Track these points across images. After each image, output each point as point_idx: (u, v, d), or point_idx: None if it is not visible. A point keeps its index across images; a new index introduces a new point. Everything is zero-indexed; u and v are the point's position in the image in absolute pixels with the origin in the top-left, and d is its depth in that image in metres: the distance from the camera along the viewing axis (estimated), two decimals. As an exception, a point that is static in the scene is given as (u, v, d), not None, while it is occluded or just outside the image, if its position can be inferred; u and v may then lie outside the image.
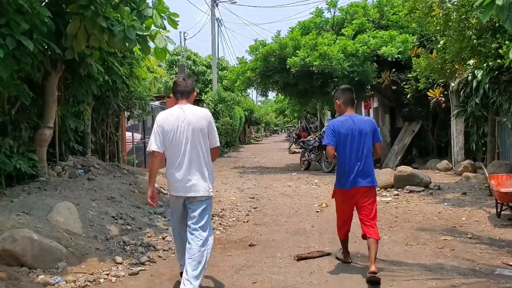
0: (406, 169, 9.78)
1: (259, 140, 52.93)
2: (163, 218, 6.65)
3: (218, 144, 4.26)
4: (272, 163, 19.32)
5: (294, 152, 25.34)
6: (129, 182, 7.58)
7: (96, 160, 8.30)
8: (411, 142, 15.07)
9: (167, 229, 6.26)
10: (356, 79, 14.04)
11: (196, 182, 4.02)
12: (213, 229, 6.25)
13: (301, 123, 39.77)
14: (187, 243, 4.04)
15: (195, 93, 4.28)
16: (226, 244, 5.93)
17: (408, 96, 14.16)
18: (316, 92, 15.86)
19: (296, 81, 15.06)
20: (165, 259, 5.28)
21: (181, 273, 4.11)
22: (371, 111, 19.88)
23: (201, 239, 4.01)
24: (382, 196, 9.32)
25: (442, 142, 14.71)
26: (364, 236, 4.68)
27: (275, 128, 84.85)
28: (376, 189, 4.89)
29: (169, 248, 5.60)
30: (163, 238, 5.92)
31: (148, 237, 5.87)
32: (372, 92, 17.51)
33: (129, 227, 5.94)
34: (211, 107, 22.16)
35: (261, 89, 16.86)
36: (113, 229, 5.73)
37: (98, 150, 9.48)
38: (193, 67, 27.89)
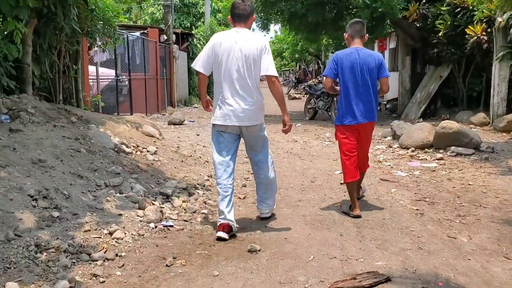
0: (452, 125, 7.46)
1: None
2: (117, 195, 4.36)
3: (275, 73, 3.90)
4: (270, 110, 16.94)
5: (294, 98, 22.95)
6: (75, 136, 5.23)
7: (33, 101, 5.88)
8: (437, 90, 12.70)
9: (121, 215, 4.00)
10: (379, 10, 11.45)
11: (251, 110, 3.82)
12: (195, 212, 4.57)
13: (301, 66, 37.05)
14: (256, 176, 4.12)
15: (253, 17, 4.04)
16: (211, 246, 3.68)
17: (440, 35, 11.61)
18: (328, 26, 13.28)
19: (305, 12, 12.44)
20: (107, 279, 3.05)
21: (220, 226, 3.79)
22: (386, 52, 17.31)
23: (268, 169, 4.06)
24: (422, 160, 7.08)
25: (475, 91, 12.36)
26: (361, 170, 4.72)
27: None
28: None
29: (117, 255, 3.36)
30: (111, 234, 3.65)
31: (86, 231, 3.59)
32: (393, 30, 14.92)
33: (55, 214, 3.64)
34: (201, 43, 19.42)
35: (261, 21, 14.16)
36: (27, 217, 3.45)
37: (48, 88, 7.06)
38: (183, -3, 24.73)
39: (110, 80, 11.75)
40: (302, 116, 14.15)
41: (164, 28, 16.14)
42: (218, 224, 3.81)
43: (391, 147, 8.31)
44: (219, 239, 3.70)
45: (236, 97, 3.79)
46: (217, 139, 3.95)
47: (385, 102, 15.53)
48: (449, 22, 11.44)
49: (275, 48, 44.13)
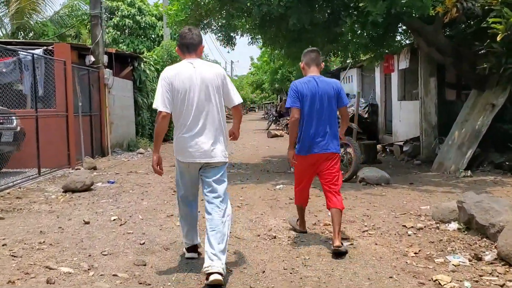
0: None
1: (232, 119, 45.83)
2: None
3: (241, 100, 3.79)
4: (243, 155, 12.40)
5: (275, 136, 18.45)
6: None
7: None
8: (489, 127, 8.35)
9: None
10: (396, 9, 7.22)
11: (213, 146, 3.58)
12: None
13: (282, 98, 32.85)
14: (206, 214, 3.59)
15: (203, 46, 3.80)
16: None
17: (498, 40, 7.31)
18: (318, 34, 8.92)
19: (284, 12, 8.09)
20: None
21: (189, 249, 3.93)
22: (394, 76, 13.06)
23: (222, 209, 3.57)
24: None
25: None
26: (329, 207, 4.31)
27: (251, 105, 77.61)
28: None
29: None
30: None
31: None
32: (408, 41, 10.70)
33: None
34: (152, 69, 14.99)
35: (223, 31, 9.71)
36: None
37: None
38: (137, 17, 20.43)
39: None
40: (284, 166, 9.63)
41: (90, 46, 11.65)
42: (186, 248, 3.96)
43: (480, 259, 3.78)
44: (190, 258, 3.88)
45: (199, 131, 3.55)
46: (180, 173, 3.77)
47: (401, 144, 11.13)
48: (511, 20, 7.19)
49: (253, 80, 40.03)
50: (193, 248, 3.94)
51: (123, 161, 11.27)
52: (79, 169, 9.43)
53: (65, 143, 9.41)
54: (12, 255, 4.08)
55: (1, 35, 18.12)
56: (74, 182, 7.14)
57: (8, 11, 17.62)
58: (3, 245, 4.38)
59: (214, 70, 3.64)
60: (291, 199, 6.32)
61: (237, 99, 3.72)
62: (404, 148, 10.76)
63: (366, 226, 4.97)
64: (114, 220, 5.31)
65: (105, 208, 5.98)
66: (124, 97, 13.59)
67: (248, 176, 8.53)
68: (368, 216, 5.37)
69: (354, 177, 7.73)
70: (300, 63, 4.51)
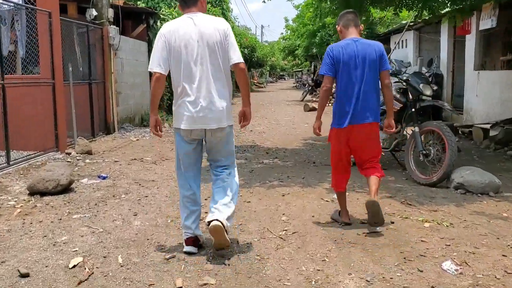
0: None
1: (262, 87, 43.37)
2: None
3: (242, 60, 3.34)
4: (278, 136, 10.07)
5: (314, 109, 15.98)
6: None
7: None
8: None
9: None
10: None
11: (217, 110, 3.26)
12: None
13: (317, 66, 30.08)
14: (213, 179, 3.43)
15: None
16: None
17: None
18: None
19: None
20: None
21: (188, 240, 3.38)
22: (470, 39, 10.32)
23: (231, 176, 3.42)
24: None
25: None
26: (368, 175, 3.96)
27: (281, 73, 74.35)
28: None
29: None
30: None
31: None
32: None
33: None
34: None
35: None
36: None
37: None
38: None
39: None
40: (325, 157, 7.23)
41: (92, -3, 9.37)
42: (184, 238, 3.38)
43: None
44: (187, 253, 3.33)
45: (202, 95, 3.23)
46: (181, 145, 3.39)
47: (485, 126, 8.57)
48: None
49: (286, 45, 37.13)
50: (193, 241, 3.40)
51: (130, 141, 9.11)
52: (70, 153, 7.32)
53: (52, 120, 7.27)
54: None
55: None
56: (43, 181, 5.00)
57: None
58: None
59: (215, 24, 3.31)
60: (363, 223, 4.03)
61: (236, 56, 3.31)
62: (491, 133, 8.22)
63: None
64: (73, 268, 3.13)
65: (73, 233, 3.81)
66: (136, 61, 11.35)
67: (288, 172, 6.24)
68: (474, 260, 3.03)
69: (446, 181, 5.35)
70: (336, 26, 4.18)
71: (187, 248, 3.35)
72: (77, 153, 7.34)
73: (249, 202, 4.76)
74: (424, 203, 4.71)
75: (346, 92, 3.85)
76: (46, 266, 3.14)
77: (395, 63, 7.36)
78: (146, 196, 4.98)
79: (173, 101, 3.36)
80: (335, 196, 4.76)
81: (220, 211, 3.23)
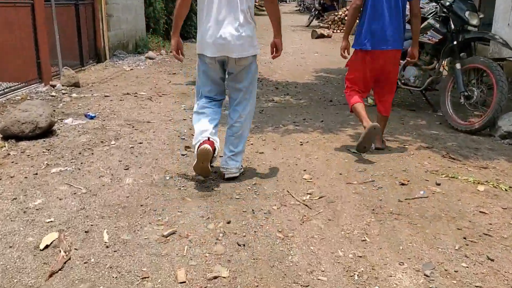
0: None
1: (263, 10, 41.22)
2: None
3: None
4: (287, 68, 9.12)
5: (322, 36, 14.87)
6: None
7: None
8: None
9: None
10: None
11: (241, 38, 3.11)
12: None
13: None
14: (230, 116, 3.37)
15: None
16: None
17: None
18: None
19: None
20: None
21: (202, 143, 3.12)
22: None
23: (247, 111, 3.35)
24: None
25: None
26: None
27: (283, -5, 70.71)
28: None
29: None
30: None
31: None
32: None
33: None
34: None
35: None
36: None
37: None
38: None
39: None
40: (342, 94, 6.36)
41: None
42: (198, 143, 3.16)
43: None
44: (203, 151, 3.08)
45: (227, 22, 3.09)
46: (203, 71, 3.31)
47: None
48: None
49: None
50: (208, 143, 3.11)
51: (124, 70, 8.21)
52: (55, 86, 6.48)
53: (32, 47, 6.34)
54: None
55: None
56: (18, 123, 4.22)
57: None
58: None
59: None
60: (403, 184, 3.34)
61: None
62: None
63: None
64: (45, 249, 2.44)
65: (49, 195, 3.10)
66: (129, -21, 10.12)
67: (304, 113, 5.46)
68: None
69: (488, 129, 4.59)
70: None
71: (203, 147, 3.06)
72: (62, 86, 6.49)
73: (262, 153, 4.02)
74: (469, 156, 3.98)
75: (374, 13, 3.74)
76: (11, 247, 2.45)
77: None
78: (140, 143, 4.22)
79: (197, 27, 3.24)
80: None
81: (235, 160, 3.33)
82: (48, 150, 3.99)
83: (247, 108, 3.33)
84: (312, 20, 20.29)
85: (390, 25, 3.72)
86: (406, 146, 4.24)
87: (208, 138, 3.14)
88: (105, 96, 6.12)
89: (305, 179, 3.44)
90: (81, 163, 3.70)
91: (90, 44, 8.51)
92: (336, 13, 17.55)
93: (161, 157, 3.86)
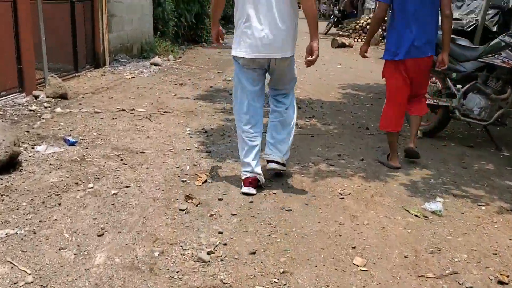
0: None
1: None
2: None
3: None
4: (309, 82, 7.99)
5: (343, 46, 13.79)
6: None
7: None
8: None
9: None
10: None
11: (283, 38, 3.04)
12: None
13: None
14: (271, 108, 3.39)
15: None
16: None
17: None
18: None
19: None
20: None
21: (245, 180, 3.13)
22: None
23: (290, 105, 3.36)
24: None
25: None
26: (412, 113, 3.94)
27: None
28: None
29: None
30: None
31: None
32: None
33: None
34: None
35: None
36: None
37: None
38: None
39: None
40: (378, 118, 5.23)
41: None
42: (243, 178, 3.16)
43: None
44: (245, 194, 3.08)
45: (266, 21, 3.01)
46: (241, 75, 3.19)
47: None
48: None
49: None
50: (251, 181, 3.12)
51: (124, 78, 7.18)
52: (38, 97, 5.47)
53: (13, 50, 5.34)
54: None
55: None
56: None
57: None
58: None
59: None
60: (503, 282, 2.24)
61: None
62: None
63: None
64: None
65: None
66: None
67: (336, 145, 4.39)
68: None
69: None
70: None
71: (245, 189, 3.10)
72: (47, 97, 5.48)
73: (290, 210, 2.95)
74: None
75: (403, 20, 3.60)
76: None
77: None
78: (126, 187, 3.18)
79: (235, 27, 3.15)
80: (432, 206, 2.97)
81: (278, 149, 3.28)
82: (2, 196, 2.95)
83: (291, 120, 3.38)
84: (330, 28, 19.21)
85: (422, 31, 3.57)
86: (483, 207, 3.15)
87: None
88: (95, 112, 5.09)
89: (357, 265, 2.36)
90: (40, 221, 2.66)
91: (88, 47, 7.50)
92: (358, 21, 16.46)
93: (152, 214, 2.81)
